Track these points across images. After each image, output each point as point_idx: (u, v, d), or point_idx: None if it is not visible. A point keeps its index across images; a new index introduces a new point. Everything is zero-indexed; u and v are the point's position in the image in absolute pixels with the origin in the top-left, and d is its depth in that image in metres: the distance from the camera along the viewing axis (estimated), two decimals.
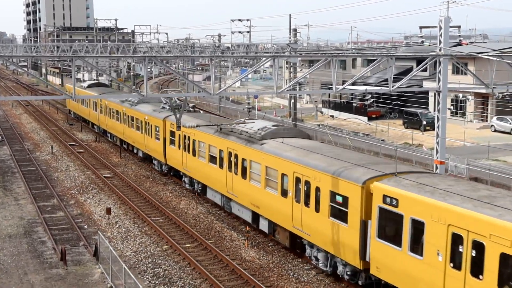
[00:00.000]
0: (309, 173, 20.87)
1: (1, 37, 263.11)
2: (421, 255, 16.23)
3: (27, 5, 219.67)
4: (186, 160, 31.84)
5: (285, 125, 29.19)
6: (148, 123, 37.74)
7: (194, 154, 30.80)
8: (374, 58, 27.32)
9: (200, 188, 31.24)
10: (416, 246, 16.43)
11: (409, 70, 56.22)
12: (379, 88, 47.30)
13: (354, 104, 64.32)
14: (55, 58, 62.40)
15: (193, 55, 33.16)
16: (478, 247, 14.51)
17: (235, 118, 55.76)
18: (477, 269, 14.55)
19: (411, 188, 16.91)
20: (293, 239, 22.95)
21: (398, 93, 55.33)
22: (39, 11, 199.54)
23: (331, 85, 23.35)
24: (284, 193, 22.50)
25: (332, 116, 66.75)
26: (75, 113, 64.02)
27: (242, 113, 58.96)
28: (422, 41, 52.33)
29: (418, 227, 16.34)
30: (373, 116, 62.12)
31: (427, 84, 54.70)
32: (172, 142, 34.02)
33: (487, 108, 55.53)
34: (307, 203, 21.08)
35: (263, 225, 24.73)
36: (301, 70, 74.15)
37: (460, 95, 52.99)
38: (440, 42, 25.35)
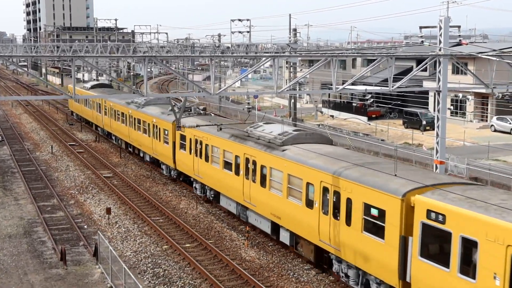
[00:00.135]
0: (339, 183, 19.39)
1: (1, 37, 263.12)
2: (473, 277, 14.72)
3: (27, 5, 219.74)
4: (198, 166, 30.43)
5: (306, 129, 27.38)
6: (156, 126, 36.52)
7: (207, 160, 29.40)
8: (374, 58, 27.32)
9: (212, 195, 29.97)
10: (467, 267, 14.97)
11: (409, 70, 56.23)
12: (379, 88, 47.34)
13: (354, 104, 64.34)
14: (55, 58, 62.39)
15: (193, 55, 33.09)
16: None
17: (235, 118, 55.89)
18: None
19: (460, 203, 15.41)
20: (319, 253, 21.53)
21: (398, 93, 55.37)
22: (39, 11, 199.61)
23: (331, 85, 23.33)
24: (309, 203, 21.05)
25: (332, 116, 66.76)
26: (78, 115, 62.91)
27: (242, 113, 58.99)
28: (422, 41, 52.33)
29: (469, 247, 14.89)
30: (373, 116, 62.14)
31: (427, 84, 54.72)
32: (182, 146, 32.60)
33: (487, 108, 55.55)
34: (336, 216, 19.60)
35: (284, 237, 23.27)
36: (301, 70, 74.18)
37: (460, 95, 53.08)
38: (440, 42, 25.36)
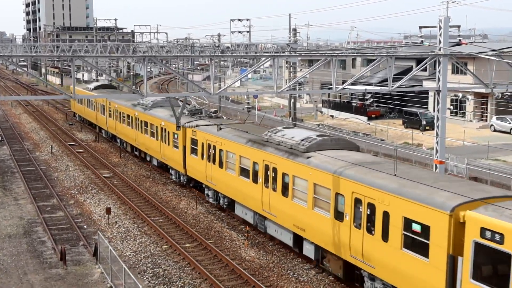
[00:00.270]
0: (373, 195, 17.88)
1: (0, 37, 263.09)
2: None
3: (27, 5, 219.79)
4: (211, 172, 28.89)
5: (331, 135, 25.81)
6: (165, 129, 34.84)
7: (221, 166, 27.89)
8: (374, 58, 27.33)
9: (226, 203, 28.53)
10: None
11: (409, 70, 56.22)
12: (378, 88, 47.30)
13: (353, 104, 64.35)
14: (55, 58, 62.30)
15: (193, 55, 33.09)
16: None
17: (235, 118, 55.86)
18: None
19: None
20: (348, 269, 20.06)
21: (398, 93, 55.37)
22: (39, 11, 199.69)
23: (331, 84, 23.34)
24: (338, 216, 19.61)
25: (332, 116, 66.76)
26: (80, 116, 61.59)
27: (242, 113, 59.01)
28: (422, 41, 52.38)
29: None
30: (373, 115, 62.15)
31: (426, 84, 54.72)
32: (193, 151, 30.99)
33: (487, 108, 55.57)
34: (370, 230, 18.12)
35: (308, 251, 21.76)
36: (301, 70, 74.18)
37: (460, 94, 53.15)
38: (439, 42, 25.36)
